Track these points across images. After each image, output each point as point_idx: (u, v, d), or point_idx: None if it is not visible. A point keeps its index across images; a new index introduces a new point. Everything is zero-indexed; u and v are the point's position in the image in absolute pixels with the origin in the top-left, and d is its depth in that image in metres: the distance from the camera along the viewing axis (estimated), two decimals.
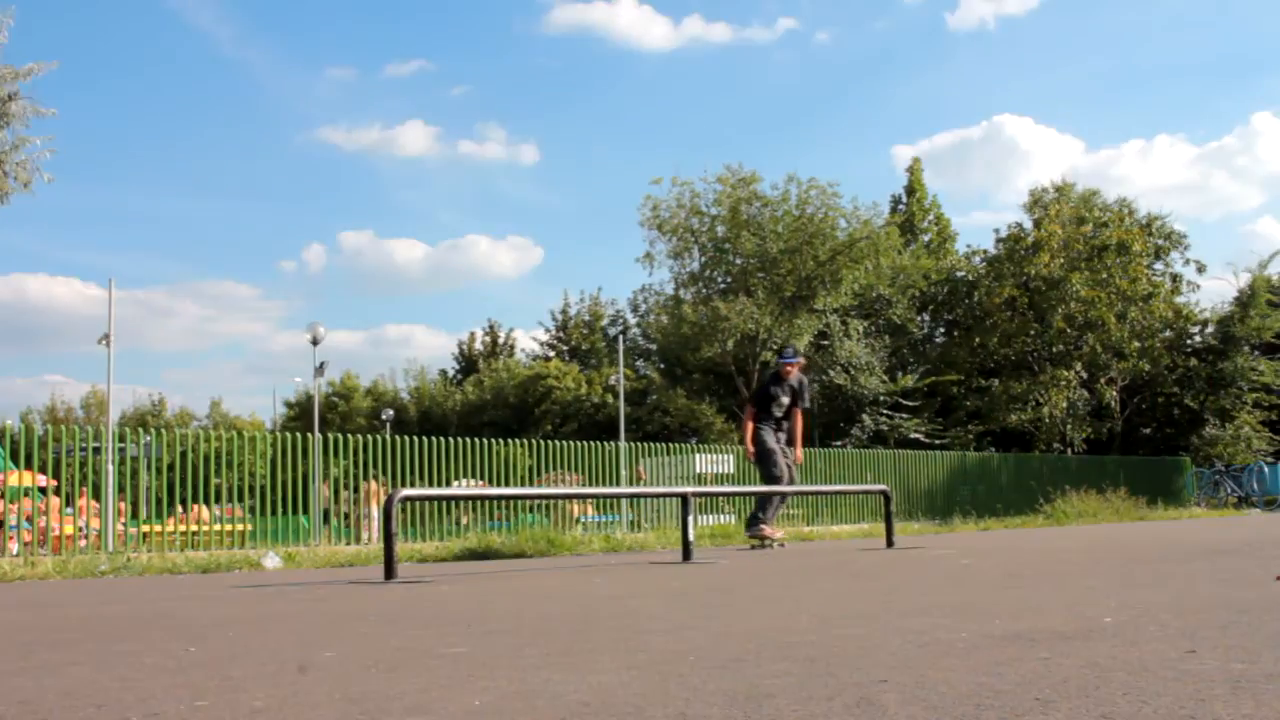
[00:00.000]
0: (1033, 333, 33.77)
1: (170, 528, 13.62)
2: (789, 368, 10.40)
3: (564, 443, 17.17)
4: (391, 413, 44.42)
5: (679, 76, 76.72)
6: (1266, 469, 27.95)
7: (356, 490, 15.47)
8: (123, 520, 14.07)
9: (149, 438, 14.10)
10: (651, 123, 77.42)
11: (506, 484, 16.07)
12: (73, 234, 79.30)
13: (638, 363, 45.59)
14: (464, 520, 15.55)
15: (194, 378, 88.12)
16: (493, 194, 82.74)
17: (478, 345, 55.32)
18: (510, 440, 17.42)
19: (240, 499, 16.14)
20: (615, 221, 78.67)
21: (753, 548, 9.79)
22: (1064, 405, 33.25)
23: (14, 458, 12.71)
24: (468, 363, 54.38)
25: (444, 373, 55.78)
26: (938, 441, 33.65)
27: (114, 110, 77.86)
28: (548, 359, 47.95)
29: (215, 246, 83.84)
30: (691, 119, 75.27)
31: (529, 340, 52.81)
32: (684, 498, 8.24)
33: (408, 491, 7.66)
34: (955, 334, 37.79)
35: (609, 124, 78.80)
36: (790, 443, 10.46)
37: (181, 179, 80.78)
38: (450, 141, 78.49)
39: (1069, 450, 33.21)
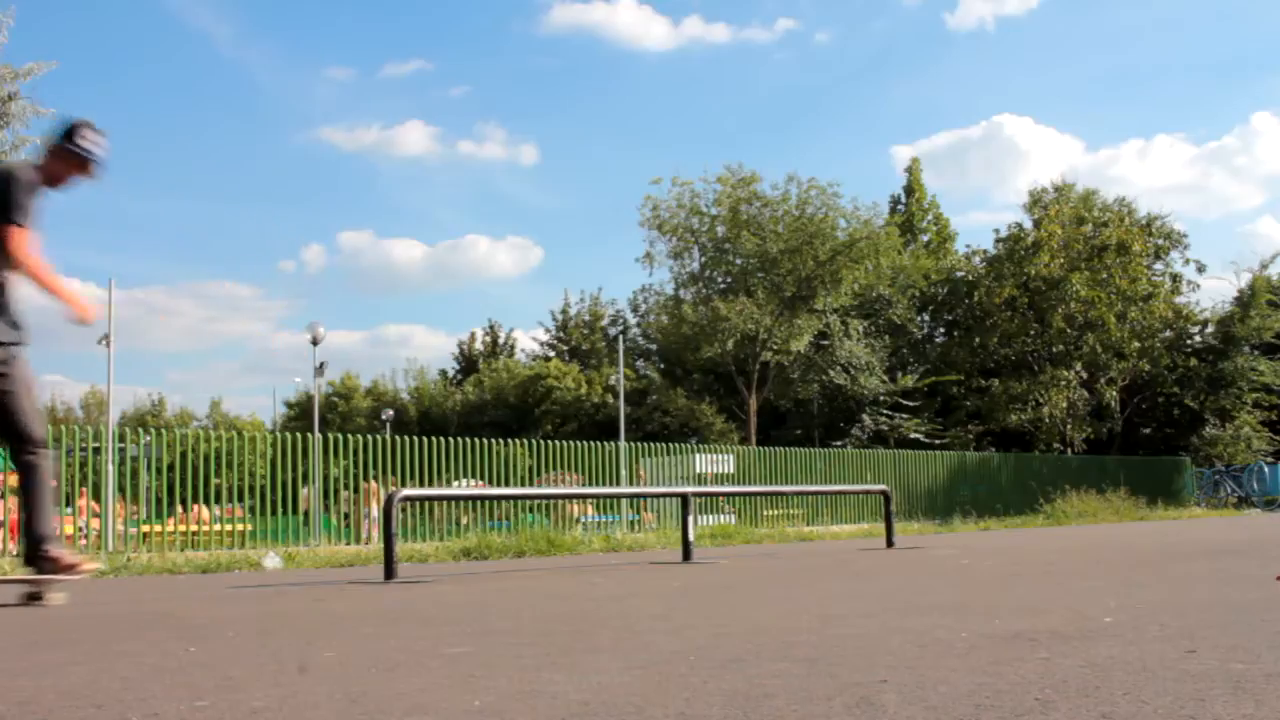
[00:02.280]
0: (1033, 333, 33.77)
1: (170, 528, 13.63)
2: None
3: (564, 443, 17.18)
4: (391, 413, 44.45)
5: (678, 76, 76.81)
6: (1266, 469, 27.96)
7: (357, 490, 15.46)
8: (122, 519, 14.06)
9: (149, 438, 14.10)
10: (651, 123, 77.54)
11: (506, 484, 16.07)
12: (71, 234, 79.36)
13: (638, 363, 45.60)
14: (464, 520, 15.54)
15: (193, 378, 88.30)
16: (492, 194, 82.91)
17: (478, 345, 55.36)
18: (510, 440, 17.42)
19: (240, 499, 16.14)
20: (615, 221, 78.85)
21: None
22: (1064, 405, 33.26)
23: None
24: (468, 363, 54.41)
25: (444, 373, 55.83)
26: (938, 441, 33.66)
27: (112, 111, 77.92)
28: (548, 359, 47.97)
29: (214, 247, 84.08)
30: (691, 119, 75.36)
31: (529, 340, 52.86)
32: (684, 498, 8.24)
33: (408, 491, 7.67)
34: (955, 334, 37.80)
35: (609, 124, 78.93)
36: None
37: (181, 179, 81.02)
38: (450, 142, 78.62)
39: (1069, 450, 33.21)
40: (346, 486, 15.93)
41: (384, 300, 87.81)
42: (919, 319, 38.75)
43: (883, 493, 10.45)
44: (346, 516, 15.83)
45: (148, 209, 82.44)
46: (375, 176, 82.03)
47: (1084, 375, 33.96)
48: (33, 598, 4.93)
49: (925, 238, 41.65)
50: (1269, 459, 31.61)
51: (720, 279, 31.32)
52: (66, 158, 4.99)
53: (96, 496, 13.77)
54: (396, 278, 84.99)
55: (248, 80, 79.30)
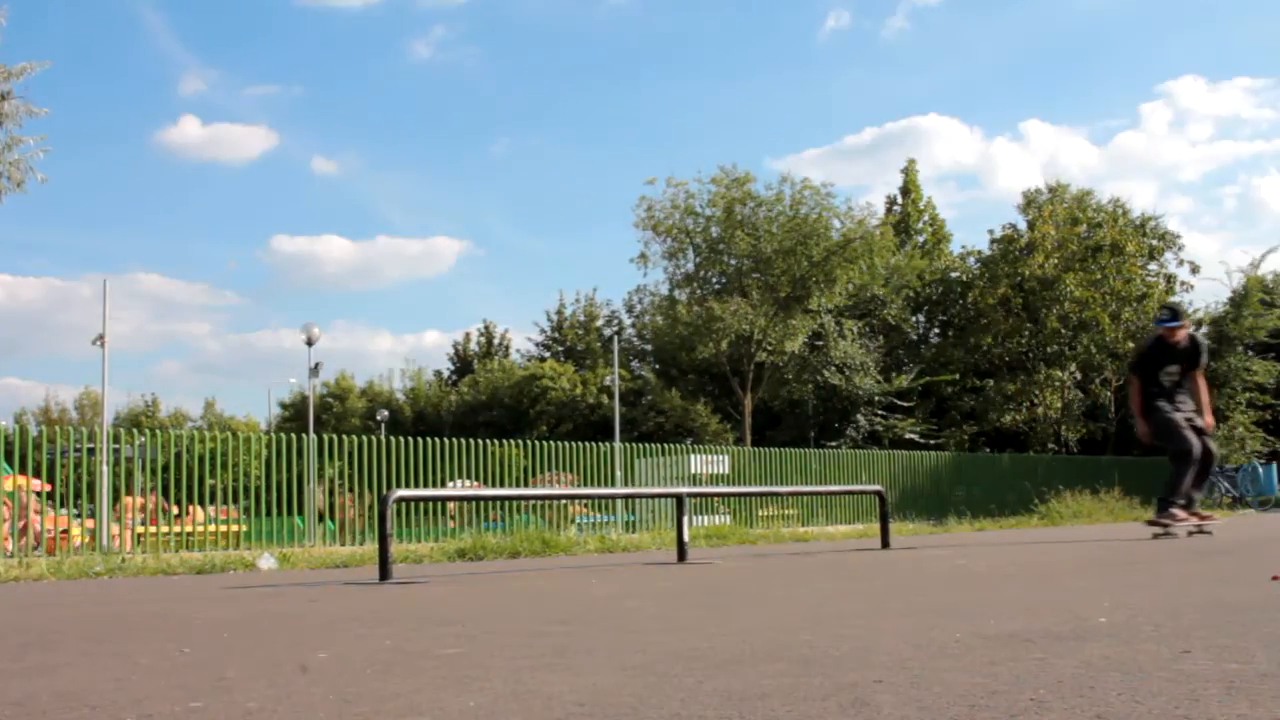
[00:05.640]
0: (1027, 333, 33.81)
1: (165, 529, 13.62)
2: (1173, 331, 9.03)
3: (559, 443, 17.18)
4: (386, 413, 44.40)
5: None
6: (1260, 469, 28.01)
7: (353, 492, 15.44)
8: (120, 518, 14.01)
9: (143, 439, 14.09)
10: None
11: (502, 484, 16.07)
12: (66, 233, 79.55)
13: (633, 363, 45.58)
14: (451, 524, 15.53)
15: (186, 379, 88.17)
16: (455, 194, 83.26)
17: (473, 345, 55.31)
18: (505, 441, 17.42)
19: (235, 500, 16.11)
20: (598, 220, 79.23)
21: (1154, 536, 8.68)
22: (1058, 405, 33.29)
23: (8, 459, 12.68)
24: (463, 363, 54.37)
25: (439, 373, 55.80)
26: (932, 442, 33.69)
27: (106, 110, 78.02)
28: (543, 359, 47.94)
29: (200, 246, 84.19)
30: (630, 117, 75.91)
31: (524, 340, 52.87)
32: (679, 498, 8.24)
33: (403, 492, 7.66)
34: (950, 334, 37.84)
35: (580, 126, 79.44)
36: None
37: (164, 178, 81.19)
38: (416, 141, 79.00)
39: (1063, 450, 33.25)
40: (344, 491, 15.90)
41: (355, 300, 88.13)
42: (914, 319, 38.79)
43: (877, 493, 10.45)
44: (329, 514, 15.76)
45: (125, 208, 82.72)
46: (335, 178, 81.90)
47: (1078, 375, 34.00)
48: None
49: (921, 239, 41.72)
50: (1263, 459, 31.66)
51: (715, 279, 31.34)
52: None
53: (92, 498, 13.75)
54: (371, 278, 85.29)
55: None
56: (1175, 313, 9.12)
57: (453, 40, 78.90)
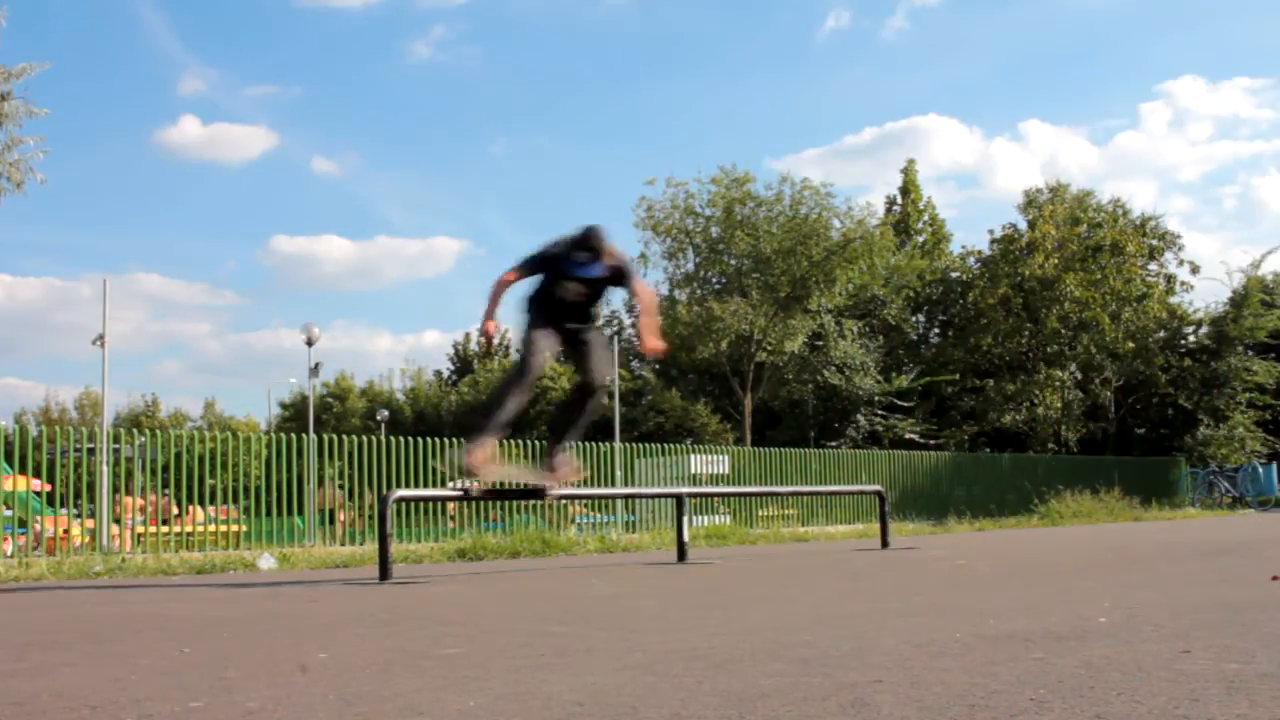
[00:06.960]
0: (1027, 333, 33.80)
1: (165, 529, 13.62)
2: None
3: None
4: (387, 413, 44.38)
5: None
6: (1260, 469, 28.01)
7: (352, 494, 15.44)
8: (125, 517, 14.01)
9: (143, 439, 14.09)
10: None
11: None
12: (63, 233, 79.63)
13: (633, 363, 45.59)
14: (451, 524, 15.53)
15: (185, 379, 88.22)
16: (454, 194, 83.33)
17: (473, 345, 55.33)
18: (506, 441, 17.41)
19: (235, 500, 16.10)
20: (598, 220, 79.14)
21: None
22: (1059, 405, 33.28)
23: (8, 459, 12.68)
24: (463, 363, 54.39)
25: (439, 373, 55.82)
26: (932, 442, 33.69)
27: (102, 110, 78.04)
28: None
29: (200, 246, 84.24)
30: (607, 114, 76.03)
31: None
32: (679, 498, 8.24)
33: (403, 492, 7.65)
34: (950, 334, 37.82)
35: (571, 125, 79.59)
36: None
37: (164, 178, 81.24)
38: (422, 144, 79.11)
39: (1063, 450, 33.24)
40: (342, 489, 15.90)
41: (354, 300, 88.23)
42: (914, 319, 38.78)
43: (877, 493, 10.44)
44: (331, 513, 15.76)
45: (117, 209, 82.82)
46: (338, 179, 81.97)
47: (1078, 375, 33.98)
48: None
49: (921, 239, 41.73)
50: (1263, 459, 31.65)
51: (715, 279, 31.33)
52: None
53: (92, 498, 13.74)
54: (356, 279, 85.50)
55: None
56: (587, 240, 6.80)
57: (452, 40, 78.77)
